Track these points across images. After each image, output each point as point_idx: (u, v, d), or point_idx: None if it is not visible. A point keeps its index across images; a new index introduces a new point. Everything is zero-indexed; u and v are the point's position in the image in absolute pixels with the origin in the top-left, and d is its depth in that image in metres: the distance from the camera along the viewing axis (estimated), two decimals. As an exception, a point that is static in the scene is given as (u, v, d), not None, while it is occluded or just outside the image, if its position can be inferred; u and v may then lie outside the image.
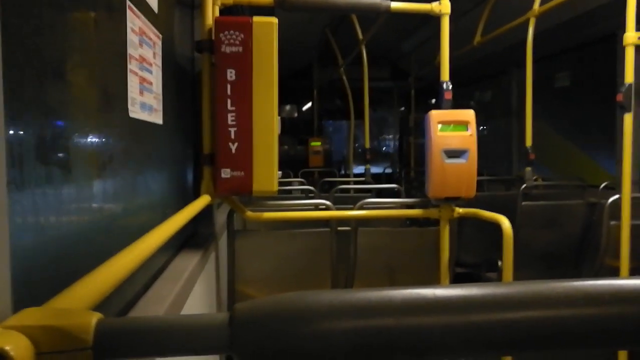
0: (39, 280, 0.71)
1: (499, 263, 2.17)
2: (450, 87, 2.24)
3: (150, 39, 1.34)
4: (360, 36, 4.61)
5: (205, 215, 2.06)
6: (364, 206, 2.34)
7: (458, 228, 2.51)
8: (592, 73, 4.67)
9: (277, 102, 1.81)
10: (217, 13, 1.96)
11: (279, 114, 1.85)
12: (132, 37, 1.16)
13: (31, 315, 0.47)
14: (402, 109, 9.61)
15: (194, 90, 2.08)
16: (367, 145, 4.75)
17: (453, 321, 0.46)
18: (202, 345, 0.47)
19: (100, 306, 0.62)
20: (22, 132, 0.68)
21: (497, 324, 0.47)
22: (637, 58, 2.36)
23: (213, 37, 1.83)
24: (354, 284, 2.33)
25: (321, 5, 2.14)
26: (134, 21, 1.18)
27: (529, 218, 3.21)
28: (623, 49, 2.36)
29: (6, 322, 0.46)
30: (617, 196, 2.56)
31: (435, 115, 2.12)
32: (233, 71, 1.77)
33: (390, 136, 10.83)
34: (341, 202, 3.02)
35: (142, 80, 1.25)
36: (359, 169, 6.79)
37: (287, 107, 8.98)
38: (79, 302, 0.58)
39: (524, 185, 3.44)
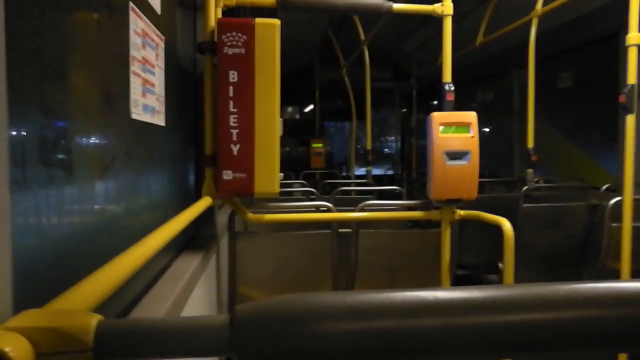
0: (39, 282, 0.72)
1: (500, 265, 2.17)
2: (452, 88, 2.23)
3: (153, 40, 1.34)
4: (362, 37, 4.61)
5: (207, 216, 2.06)
6: (365, 208, 2.33)
7: (459, 230, 2.51)
8: (594, 74, 4.67)
9: (279, 103, 1.81)
10: (219, 14, 1.97)
11: (281, 116, 1.85)
12: (134, 39, 1.16)
13: (31, 317, 0.47)
14: (404, 110, 9.61)
15: (196, 92, 2.08)
16: (369, 146, 4.74)
17: (454, 323, 0.46)
18: (203, 347, 0.47)
19: (101, 307, 0.62)
20: (24, 134, 0.68)
21: (498, 326, 0.47)
22: (639, 59, 2.36)
23: (215, 39, 1.83)
24: (355, 286, 2.33)
25: (323, 6, 2.14)
26: (137, 23, 1.18)
27: (530, 220, 3.21)
28: (625, 49, 2.35)
29: (6, 324, 0.46)
30: (618, 198, 2.55)
31: (437, 117, 2.12)
32: (235, 73, 1.77)
33: (392, 137, 10.83)
34: (342, 204, 3.01)
35: (145, 82, 1.25)
36: (360, 171, 6.80)
37: (289, 109, 8.99)
38: (79, 304, 0.58)
39: (525, 187, 3.43)
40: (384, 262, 2.40)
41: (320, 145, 6.99)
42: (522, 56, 3.69)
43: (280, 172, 1.88)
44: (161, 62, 1.43)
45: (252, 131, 1.79)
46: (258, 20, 1.77)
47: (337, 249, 2.29)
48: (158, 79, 1.40)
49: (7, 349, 0.41)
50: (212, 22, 1.88)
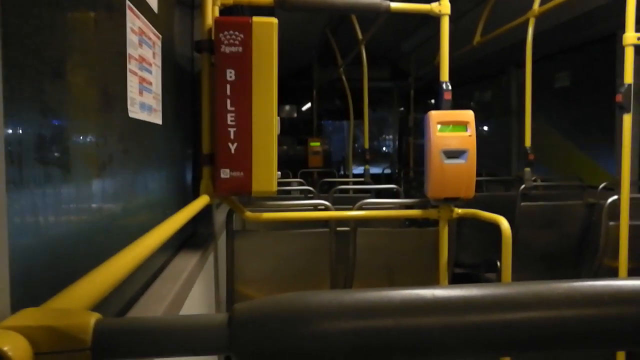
0: (37, 281, 0.71)
1: (498, 263, 2.17)
2: (450, 87, 2.24)
3: (150, 39, 1.34)
4: (360, 36, 4.61)
5: (205, 215, 2.05)
6: (363, 206, 2.34)
7: (457, 228, 2.51)
8: (592, 73, 4.68)
9: (277, 102, 1.81)
10: (216, 13, 1.96)
11: (279, 114, 1.85)
12: (131, 37, 1.16)
13: (30, 316, 0.47)
14: (402, 109, 9.62)
15: (194, 91, 2.08)
16: (367, 145, 4.75)
17: (452, 322, 0.46)
18: (201, 346, 0.47)
19: (99, 306, 0.62)
20: (21, 132, 0.68)
21: (496, 324, 0.47)
22: (636, 58, 2.37)
23: (213, 37, 1.83)
24: (353, 285, 2.33)
25: (321, 6, 2.14)
26: (134, 21, 1.18)
27: (528, 218, 3.22)
28: (623, 49, 2.36)
29: (5, 323, 0.45)
30: (616, 197, 2.56)
31: (434, 115, 2.12)
32: (233, 71, 1.77)
33: (390, 136, 10.83)
34: (340, 202, 3.02)
35: (142, 80, 1.25)
36: (358, 170, 6.80)
37: (287, 107, 8.99)
38: (77, 303, 0.58)
39: (523, 186, 3.44)
40: (382, 260, 2.40)
41: (318, 144, 6.99)
42: (520, 56, 3.69)
43: (278, 171, 1.88)
44: (158, 61, 1.43)
45: (249, 130, 1.79)
46: (255, 18, 1.77)
47: (335, 247, 2.29)
48: (155, 78, 1.39)
49: (5, 348, 0.41)
50: (209, 20, 1.88)
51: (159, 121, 1.44)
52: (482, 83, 7.00)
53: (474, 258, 3.77)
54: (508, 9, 3.92)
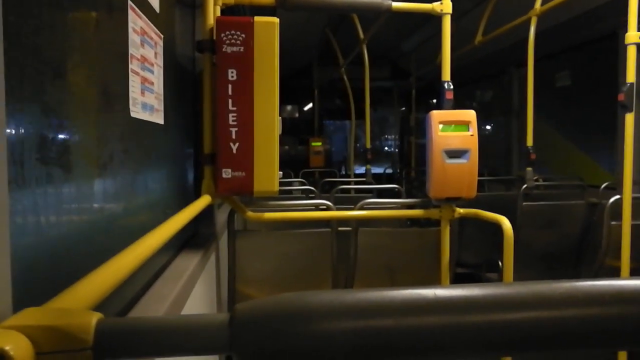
0: (39, 280, 0.72)
1: (500, 263, 2.17)
2: (452, 87, 2.23)
3: (152, 38, 1.34)
4: (361, 36, 4.61)
5: (206, 215, 2.06)
6: (365, 206, 2.34)
7: (459, 228, 2.51)
8: (593, 72, 4.67)
9: (278, 102, 1.81)
10: (218, 13, 1.96)
11: (280, 114, 1.85)
12: (133, 37, 1.16)
13: (31, 315, 0.47)
14: (403, 108, 9.61)
15: (195, 90, 2.08)
16: (368, 145, 4.75)
17: (454, 321, 0.46)
18: (202, 346, 0.47)
19: (101, 306, 0.62)
20: (23, 132, 0.68)
21: (498, 324, 0.47)
22: (638, 57, 2.36)
23: (214, 37, 1.83)
24: (355, 284, 2.33)
25: (322, 5, 2.13)
26: (136, 21, 1.18)
27: (529, 218, 3.21)
28: (624, 48, 2.35)
29: (6, 322, 0.46)
30: (617, 197, 2.56)
31: (436, 115, 2.12)
32: (234, 71, 1.77)
33: (391, 136, 10.83)
34: (342, 202, 3.02)
35: (144, 80, 1.25)
36: (359, 169, 6.79)
37: (288, 107, 8.99)
38: (79, 302, 0.58)
39: (524, 186, 3.44)
40: (383, 260, 2.40)
41: (319, 144, 6.99)
42: (522, 55, 3.69)
43: (280, 171, 1.88)
44: (160, 61, 1.43)
45: (251, 130, 1.79)
46: (257, 18, 1.77)
47: (337, 247, 2.29)
48: (157, 78, 1.39)
49: (7, 348, 0.41)
50: (211, 20, 1.88)
51: (160, 121, 1.44)
52: (484, 82, 6.99)
53: (476, 258, 3.76)
54: (509, 8, 3.91)
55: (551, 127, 5.20)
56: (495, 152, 6.29)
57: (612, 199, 2.63)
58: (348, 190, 4.29)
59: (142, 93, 1.24)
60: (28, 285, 0.67)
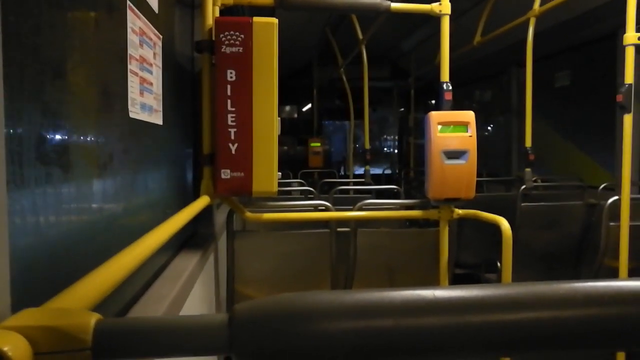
0: (38, 281, 0.71)
1: (499, 264, 2.17)
2: (450, 87, 2.23)
3: (151, 39, 1.34)
4: (360, 36, 4.61)
5: (205, 215, 2.05)
6: (364, 207, 2.34)
7: (457, 229, 2.51)
8: (592, 73, 4.68)
9: (277, 102, 1.81)
10: (217, 13, 1.96)
11: (279, 115, 1.85)
12: (132, 38, 1.16)
13: (30, 316, 0.47)
14: (402, 109, 9.61)
15: (194, 91, 2.08)
16: (367, 145, 4.74)
17: (453, 322, 0.46)
18: (201, 346, 0.47)
19: (100, 306, 0.62)
20: (21, 132, 0.68)
21: (497, 324, 0.47)
22: (637, 58, 2.36)
23: (213, 38, 1.83)
24: (354, 285, 2.33)
25: (321, 5, 2.13)
26: (135, 21, 1.18)
27: (528, 219, 3.21)
28: (623, 49, 2.36)
29: (5, 323, 0.45)
30: (616, 197, 2.56)
31: (435, 116, 2.12)
32: (233, 71, 1.77)
33: (390, 136, 10.83)
34: (341, 203, 3.02)
35: (143, 80, 1.25)
36: (358, 170, 6.80)
37: (287, 108, 8.99)
38: (78, 303, 0.58)
39: (523, 186, 3.44)
40: (382, 261, 2.40)
41: (318, 144, 6.99)
42: (520, 55, 3.69)
43: (279, 171, 1.88)
44: (159, 61, 1.43)
45: (250, 130, 1.79)
46: (256, 19, 1.77)
47: (336, 248, 2.29)
48: (156, 78, 1.39)
49: (5, 348, 0.41)
50: (209, 21, 1.88)
51: (159, 121, 1.44)
52: (483, 83, 7.00)
53: (475, 258, 3.77)
54: (508, 9, 3.92)
55: (551, 127, 5.21)
56: (495, 153, 6.30)
57: (610, 200, 2.64)
58: (347, 191, 4.29)
59: (141, 93, 1.24)
60: (27, 285, 0.67)
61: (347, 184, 4.64)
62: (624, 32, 2.34)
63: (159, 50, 1.43)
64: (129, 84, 1.14)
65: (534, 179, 3.57)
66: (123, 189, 1.15)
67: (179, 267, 1.57)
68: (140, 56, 1.23)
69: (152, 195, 1.45)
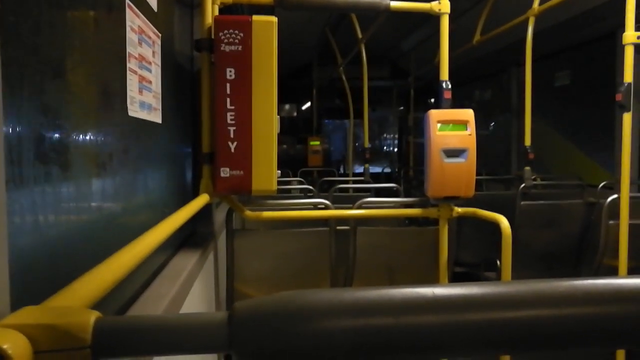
0: (37, 279, 0.71)
1: (498, 262, 2.17)
2: (450, 86, 2.23)
3: (150, 37, 1.34)
4: (360, 35, 4.61)
5: (204, 214, 2.05)
6: (363, 205, 2.34)
7: (457, 227, 2.51)
8: (592, 72, 4.68)
9: (277, 101, 1.81)
10: (216, 12, 1.96)
11: (278, 113, 1.85)
12: (131, 36, 1.16)
13: (29, 314, 0.47)
14: (402, 108, 9.61)
15: (193, 89, 2.08)
16: (367, 144, 4.75)
17: (452, 320, 0.46)
18: (201, 344, 0.47)
19: (99, 305, 0.62)
20: (20, 131, 0.67)
21: (496, 322, 0.47)
22: (636, 57, 2.37)
23: (212, 36, 1.82)
24: (353, 283, 2.33)
25: (321, 4, 2.13)
26: (134, 20, 1.18)
27: (527, 218, 3.22)
28: (622, 48, 2.36)
29: (4, 321, 0.45)
30: (615, 196, 2.57)
31: (434, 114, 2.12)
32: (232, 70, 1.77)
33: (390, 135, 10.83)
34: (340, 201, 3.02)
35: (142, 79, 1.25)
36: (358, 169, 6.80)
37: (287, 106, 8.98)
38: (77, 301, 0.58)
39: (522, 185, 3.44)
40: (381, 259, 2.40)
41: (317, 143, 7.00)
42: (520, 55, 3.69)
43: (278, 170, 1.88)
44: (158, 60, 1.43)
45: (249, 129, 1.79)
46: (255, 17, 1.77)
47: (335, 246, 2.30)
48: (155, 76, 1.39)
49: (5, 346, 0.41)
50: (209, 19, 1.88)
51: (158, 120, 1.44)
52: (482, 82, 7.00)
53: (474, 257, 3.77)
54: (508, 8, 3.92)
55: (550, 127, 5.21)
56: (494, 152, 6.30)
57: (609, 199, 2.64)
58: (346, 190, 4.29)
59: (140, 92, 1.24)
60: (26, 283, 0.66)
61: (347, 182, 4.65)
62: (623, 32, 2.34)
63: (158, 48, 1.43)
64: (128, 82, 1.14)
65: (533, 177, 3.57)
66: (122, 187, 1.15)
67: (179, 265, 1.57)
68: (139, 54, 1.23)
69: (151, 193, 1.45)
